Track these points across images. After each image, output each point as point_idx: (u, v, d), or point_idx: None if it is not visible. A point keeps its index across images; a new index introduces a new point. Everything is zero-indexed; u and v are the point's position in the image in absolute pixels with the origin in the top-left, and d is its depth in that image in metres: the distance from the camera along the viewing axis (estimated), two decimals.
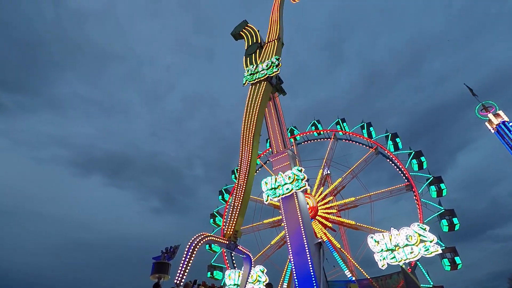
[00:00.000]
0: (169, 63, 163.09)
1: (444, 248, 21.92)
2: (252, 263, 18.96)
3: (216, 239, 17.51)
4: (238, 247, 18.37)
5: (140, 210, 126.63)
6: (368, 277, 22.66)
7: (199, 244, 15.79)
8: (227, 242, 17.86)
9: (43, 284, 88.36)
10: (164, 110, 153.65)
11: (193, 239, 15.77)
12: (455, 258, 22.11)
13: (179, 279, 14.17)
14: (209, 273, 31.90)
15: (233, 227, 18.61)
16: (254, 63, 28.64)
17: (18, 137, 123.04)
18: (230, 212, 19.57)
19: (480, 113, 47.75)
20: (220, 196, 36.79)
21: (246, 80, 27.97)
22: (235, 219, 18.99)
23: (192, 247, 15.25)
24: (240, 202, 19.80)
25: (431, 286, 21.66)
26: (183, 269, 14.33)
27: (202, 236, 16.26)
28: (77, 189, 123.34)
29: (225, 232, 18.50)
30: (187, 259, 14.70)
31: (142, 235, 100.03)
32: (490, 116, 46.38)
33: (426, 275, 22.25)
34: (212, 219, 35.28)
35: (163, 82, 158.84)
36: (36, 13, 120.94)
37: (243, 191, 20.30)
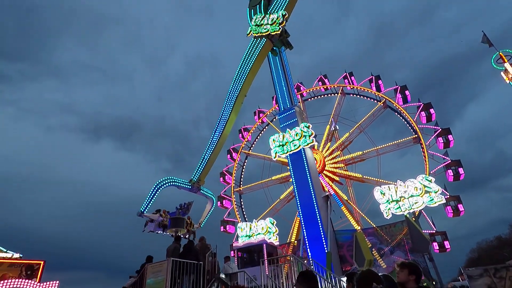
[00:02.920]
0: (167, 23, 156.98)
1: (448, 197, 22.50)
2: (214, 202, 21.94)
3: (181, 183, 20.18)
4: (201, 190, 21.11)
5: (152, 171, 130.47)
6: (374, 225, 23.71)
7: (165, 185, 18.92)
8: (191, 187, 20.56)
9: (65, 246, 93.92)
10: (167, 74, 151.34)
11: (159, 181, 18.87)
12: (458, 205, 22.77)
13: (144, 208, 17.56)
14: (222, 227, 33.67)
15: (198, 176, 21.10)
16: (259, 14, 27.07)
17: (25, 106, 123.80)
18: (199, 162, 21.93)
19: (496, 62, 45.77)
20: (229, 155, 37.52)
21: (250, 31, 26.50)
22: (201, 170, 21.40)
23: (157, 187, 18.49)
24: (209, 156, 21.89)
25: (433, 231, 22.58)
26: (148, 203, 17.87)
27: (168, 180, 19.41)
28: (89, 154, 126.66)
29: (191, 178, 20.93)
30: (151, 196, 18.08)
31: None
32: (507, 65, 44.41)
33: (430, 222, 23.12)
34: (222, 177, 36.33)
35: (163, 44, 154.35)
36: None
37: (214, 147, 22.13)
